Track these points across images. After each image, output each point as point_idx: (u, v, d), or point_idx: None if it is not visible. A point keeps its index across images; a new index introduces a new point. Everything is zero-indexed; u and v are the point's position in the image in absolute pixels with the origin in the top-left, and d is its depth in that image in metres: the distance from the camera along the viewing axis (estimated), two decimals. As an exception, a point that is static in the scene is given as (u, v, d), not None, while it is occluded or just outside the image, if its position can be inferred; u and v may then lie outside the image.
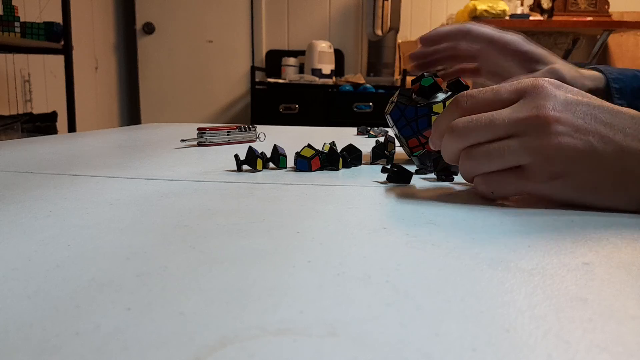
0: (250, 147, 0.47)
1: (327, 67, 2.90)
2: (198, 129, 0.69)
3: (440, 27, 0.63)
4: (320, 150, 0.49)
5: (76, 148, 0.64)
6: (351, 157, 0.51)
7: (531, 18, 2.75)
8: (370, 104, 2.69)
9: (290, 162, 0.51)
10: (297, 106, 2.77)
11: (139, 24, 3.28)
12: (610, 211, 0.32)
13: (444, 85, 0.52)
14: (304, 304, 0.18)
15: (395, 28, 2.91)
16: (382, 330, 0.16)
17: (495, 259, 0.23)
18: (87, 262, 0.22)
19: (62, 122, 2.37)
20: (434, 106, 0.49)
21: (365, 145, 0.69)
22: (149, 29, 3.28)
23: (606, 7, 2.73)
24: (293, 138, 0.79)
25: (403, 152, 0.63)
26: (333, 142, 0.52)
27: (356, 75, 2.96)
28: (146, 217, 0.30)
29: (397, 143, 0.56)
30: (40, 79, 2.64)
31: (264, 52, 3.24)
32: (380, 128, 0.92)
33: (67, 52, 2.15)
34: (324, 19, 3.24)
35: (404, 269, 0.21)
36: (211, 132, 0.68)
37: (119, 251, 0.23)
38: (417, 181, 0.43)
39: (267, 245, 0.25)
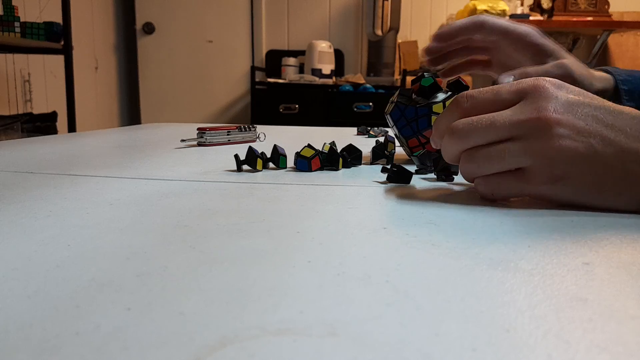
0: (250, 147, 0.47)
1: (327, 67, 2.90)
2: (198, 129, 0.69)
3: (449, 23, 0.64)
4: (320, 150, 0.49)
5: (76, 148, 0.64)
6: (351, 157, 0.51)
7: (531, 18, 2.75)
8: (370, 104, 2.69)
9: (290, 162, 0.51)
10: (297, 106, 2.77)
11: (139, 24, 3.28)
12: (610, 211, 0.32)
13: (444, 85, 0.52)
14: (304, 304, 0.18)
15: (395, 28, 2.91)
16: (382, 330, 0.16)
17: (495, 259, 0.23)
18: (87, 262, 0.22)
19: (62, 122, 2.37)
20: (434, 106, 0.49)
21: (365, 145, 0.69)
22: (149, 29, 3.28)
23: (606, 7, 2.73)
24: (293, 138, 0.79)
25: (403, 152, 0.63)
26: (333, 142, 0.52)
27: (356, 75, 2.96)
28: (146, 217, 0.30)
29: (397, 143, 0.56)
30: (40, 79, 2.64)
31: (264, 52, 3.24)
32: (380, 128, 0.92)
33: (67, 52, 2.15)
34: (324, 19, 3.24)
35: (404, 269, 0.21)
36: (211, 132, 0.68)
37: (119, 251, 0.23)
38: (417, 181, 0.43)
39: (267, 245, 0.25)
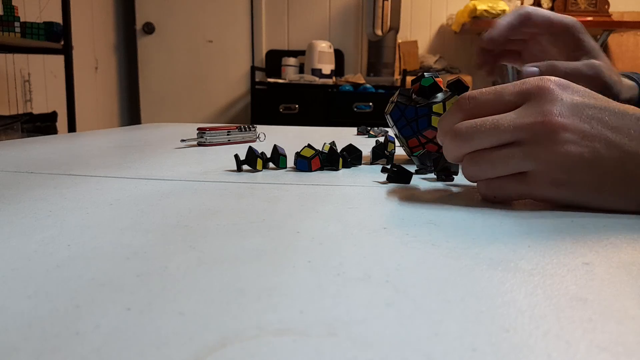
0: (250, 147, 0.47)
1: (327, 67, 2.90)
2: (198, 129, 0.69)
3: (495, 24, 0.59)
4: (320, 150, 0.49)
5: (76, 148, 0.64)
6: (351, 157, 0.51)
7: (531, 18, 2.75)
8: (370, 104, 2.69)
9: (290, 162, 0.51)
10: (297, 106, 2.77)
11: (139, 24, 3.28)
12: (610, 212, 0.32)
13: (444, 85, 0.52)
14: (304, 304, 0.18)
15: (395, 28, 2.91)
16: (382, 330, 0.16)
17: (495, 259, 0.23)
18: (87, 262, 0.22)
19: (62, 122, 2.37)
20: (434, 106, 0.49)
21: (365, 145, 0.69)
22: (149, 29, 3.28)
23: (606, 7, 2.73)
24: (293, 138, 0.79)
25: (403, 152, 0.63)
26: (333, 142, 0.52)
27: (356, 75, 2.96)
28: (146, 217, 0.30)
29: (397, 143, 0.56)
30: (40, 79, 2.64)
31: (264, 52, 3.24)
32: (380, 128, 0.92)
33: (67, 52, 2.15)
34: (324, 19, 3.24)
35: (404, 269, 0.21)
36: (211, 132, 0.68)
37: (119, 251, 0.23)
38: (417, 181, 0.43)
39: (267, 245, 0.25)
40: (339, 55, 3.11)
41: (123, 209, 0.32)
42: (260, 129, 0.85)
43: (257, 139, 0.75)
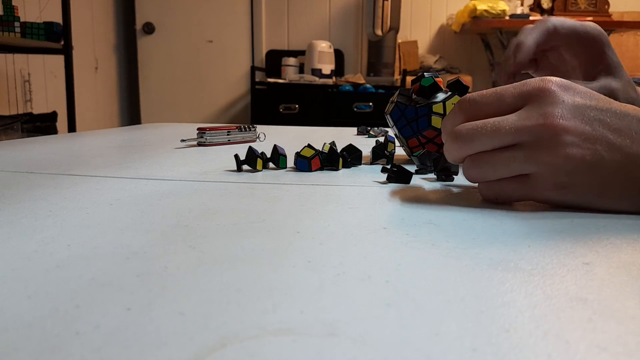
0: (250, 147, 0.47)
1: (327, 67, 2.90)
2: (198, 129, 0.69)
3: (521, 42, 0.54)
4: (320, 150, 0.49)
5: (76, 148, 0.64)
6: (351, 157, 0.51)
7: (531, 18, 2.75)
8: (370, 104, 2.69)
9: (290, 162, 0.51)
10: (297, 106, 2.77)
11: (139, 24, 3.28)
12: (610, 212, 0.32)
13: (444, 85, 0.52)
14: (304, 304, 0.18)
15: (395, 28, 2.91)
16: (382, 330, 0.16)
17: (495, 259, 0.23)
18: (87, 262, 0.22)
19: (62, 122, 2.37)
20: (434, 106, 0.49)
21: (365, 145, 0.69)
22: (149, 29, 3.28)
23: (606, 7, 2.73)
24: (293, 138, 0.79)
25: (403, 152, 0.63)
26: (333, 142, 0.52)
27: (356, 75, 2.96)
28: (146, 217, 0.30)
29: (397, 143, 0.56)
30: (40, 79, 2.64)
31: (264, 52, 3.24)
32: (380, 128, 0.92)
33: (67, 52, 2.15)
34: (324, 19, 3.24)
35: (404, 269, 0.21)
36: (211, 132, 0.68)
37: (119, 251, 0.23)
38: (417, 181, 0.43)
39: (267, 245, 0.25)
40: (339, 55, 3.12)
41: (123, 209, 0.32)
42: (260, 129, 0.86)
43: (257, 139, 0.75)
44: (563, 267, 0.22)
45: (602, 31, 0.54)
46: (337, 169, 0.49)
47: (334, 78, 2.92)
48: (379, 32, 2.85)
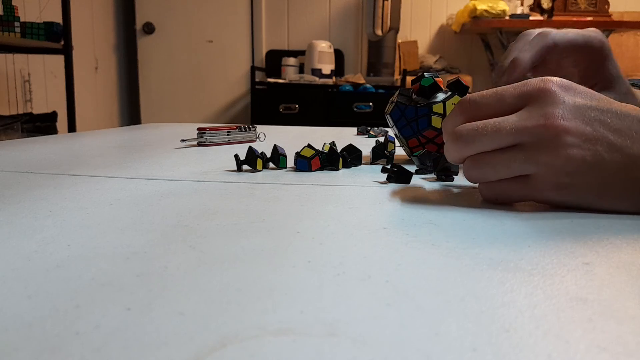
0: (250, 147, 0.47)
1: (327, 67, 2.90)
2: (198, 129, 0.69)
3: (516, 58, 0.50)
4: (320, 150, 0.49)
5: (76, 148, 0.64)
6: (351, 157, 0.51)
7: (531, 18, 2.75)
8: (370, 104, 2.69)
9: (290, 162, 0.51)
10: (297, 106, 2.77)
11: (139, 24, 3.28)
12: (611, 212, 0.32)
13: (444, 85, 0.52)
14: (304, 304, 0.18)
15: (395, 28, 2.91)
16: (382, 330, 0.16)
17: (495, 259, 0.23)
18: (87, 262, 0.22)
19: (62, 122, 2.37)
20: (434, 106, 0.49)
21: (365, 145, 0.69)
22: (149, 29, 3.28)
23: (606, 7, 2.73)
24: (293, 138, 0.79)
25: (403, 152, 0.63)
26: (333, 142, 0.52)
27: (356, 75, 2.96)
28: (146, 217, 0.30)
29: (397, 143, 0.56)
30: (40, 79, 2.64)
31: (264, 52, 3.24)
32: (380, 128, 0.92)
33: (67, 52, 2.15)
34: (324, 19, 3.24)
35: (404, 269, 0.21)
36: (211, 132, 0.68)
37: (119, 251, 0.23)
38: (417, 181, 0.43)
39: (267, 245, 0.25)
40: (339, 55, 3.12)
41: (123, 209, 0.32)
42: (260, 129, 0.86)
43: (257, 139, 0.75)
44: (563, 267, 0.22)
45: (605, 42, 0.51)
46: (337, 169, 0.49)
47: (334, 78, 2.92)
48: (379, 32, 2.85)
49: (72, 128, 2.22)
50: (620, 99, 0.52)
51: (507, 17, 2.73)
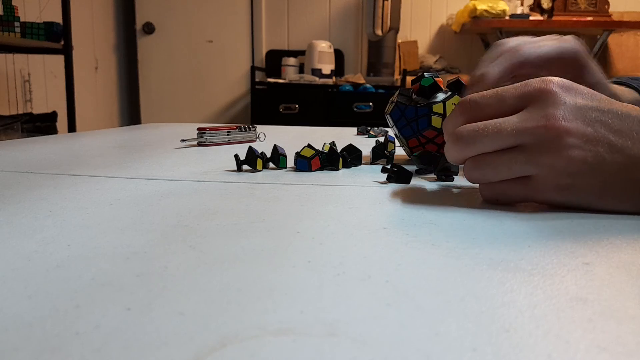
0: (250, 147, 0.47)
1: (327, 67, 2.90)
2: (198, 129, 0.69)
3: (481, 75, 0.47)
4: (320, 150, 0.49)
5: (76, 148, 0.64)
6: (351, 157, 0.51)
7: (531, 18, 2.75)
8: (370, 104, 2.69)
9: (290, 162, 0.51)
10: (297, 106, 2.77)
11: (139, 24, 3.28)
12: (611, 213, 0.32)
13: (444, 85, 0.52)
14: (304, 304, 0.18)
15: (395, 28, 2.91)
16: (382, 330, 0.16)
17: (495, 259, 0.23)
18: (87, 262, 0.22)
19: (62, 122, 2.37)
20: (434, 106, 0.49)
21: (365, 145, 0.69)
22: (149, 29, 3.28)
23: (606, 7, 2.73)
24: (293, 138, 0.79)
25: (403, 152, 0.63)
26: (333, 142, 0.52)
27: (356, 75, 2.96)
28: (146, 217, 0.30)
29: (397, 143, 0.56)
30: (40, 79, 2.64)
31: (264, 52, 3.24)
32: (380, 128, 0.92)
33: (67, 52, 2.15)
34: (324, 19, 3.24)
35: (404, 269, 0.21)
36: (211, 132, 0.68)
37: (119, 251, 0.23)
38: (417, 181, 0.43)
39: (267, 245, 0.25)
40: (339, 55, 3.12)
41: (123, 209, 0.32)
42: (260, 129, 0.86)
43: (257, 139, 0.75)
44: (563, 267, 0.22)
45: (580, 52, 0.49)
46: (337, 169, 0.49)
47: (334, 78, 2.92)
48: (379, 32, 2.85)
49: (72, 128, 2.22)
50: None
51: (507, 17, 2.73)
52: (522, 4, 2.94)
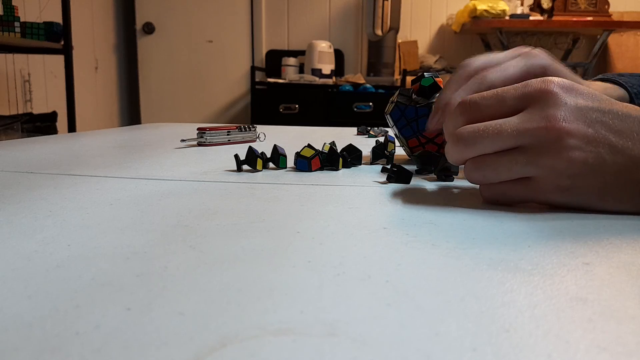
0: (250, 147, 0.47)
1: (327, 67, 2.90)
2: (198, 129, 0.69)
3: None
4: (320, 150, 0.49)
5: (76, 148, 0.64)
6: (351, 157, 0.51)
7: (531, 18, 2.75)
8: (370, 104, 2.69)
9: (290, 162, 0.51)
10: (297, 106, 2.77)
11: (139, 24, 3.28)
12: (611, 213, 0.32)
13: (443, 85, 0.52)
14: (304, 304, 0.18)
15: (395, 28, 2.91)
16: (382, 330, 0.16)
17: (495, 259, 0.23)
18: (87, 262, 0.22)
19: (62, 122, 2.37)
20: (434, 106, 0.49)
21: (365, 145, 0.69)
22: (149, 29, 3.28)
23: (606, 7, 2.73)
24: (293, 138, 0.79)
25: (403, 152, 0.63)
26: (333, 142, 0.52)
27: (356, 75, 2.96)
28: (146, 217, 0.30)
29: (397, 143, 0.56)
30: (40, 79, 2.64)
31: (264, 52, 3.24)
32: (380, 128, 0.92)
33: (67, 52, 2.15)
34: (324, 19, 3.24)
35: (404, 269, 0.21)
36: (211, 132, 0.68)
37: (119, 251, 0.23)
38: (417, 181, 0.43)
39: (267, 245, 0.25)
40: (339, 55, 3.12)
41: (123, 209, 0.32)
42: (260, 129, 0.86)
43: (257, 139, 0.75)
44: (563, 267, 0.22)
45: (548, 66, 0.46)
46: (337, 169, 0.49)
47: (334, 78, 2.92)
48: (379, 32, 2.85)
49: (72, 128, 2.22)
50: None
51: (507, 17, 2.73)
52: (522, 4, 2.94)
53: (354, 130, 0.96)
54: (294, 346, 0.15)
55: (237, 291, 0.19)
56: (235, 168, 0.49)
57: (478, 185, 0.35)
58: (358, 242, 0.25)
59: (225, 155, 0.59)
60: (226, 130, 0.70)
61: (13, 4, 1.96)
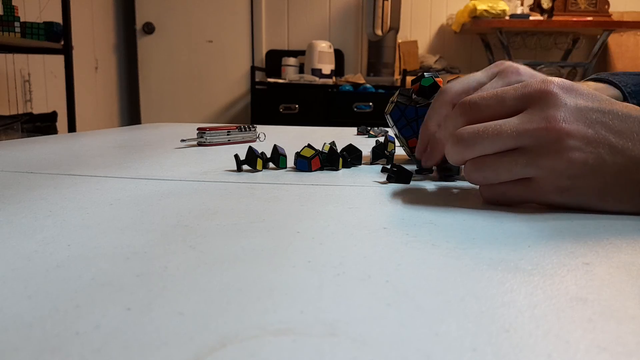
0: (250, 147, 0.47)
1: (327, 67, 2.89)
2: (198, 129, 0.69)
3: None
4: (320, 150, 0.49)
5: (76, 148, 0.64)
6: (351, 157, 0.51)
7: (531, 18, 2.75)
8: (370, 104, 2.69)
9: (290, 162, 0.51)
10: (297, 106, 2.77)
11: (139, 24, 3.28)
12: (611, 213, 0.32)
13: (443, 85, 0.52)
14: (304, 304, 0.18)
15: (395, 28, 2.91)
16: (382, 330, 0.16)
17: (495, 259, 0.23)
18: (87, 262, 0.22)
19: (62, 122, 2.37)
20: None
21: (365, 145, 0.69)
22: (149, 29, 3.28)
23: (606, 7, 2.73)
24: (293, 138, 0.79)
25: (403, 152, 0.63)
26: (333, 142, 0.52)
27: (356, 75, 2.96)
28: (146, 217, 0.30)
29: (397, 143, 0.56)
30: (40, 79, 2.64)
31: (264, 52, 3.24)
32: (380, 128, 0.92)
33: (67, 52, 2.15)
34: (324, 19, 3.23)
35: (404, 269, 0.21)
36: (211, 132, 0.68)
37: (119, 251, 0.23)
38: (417, 181, 0.43)
39: (267, 245, 0.25)
40: (339, 55, 3.11)
41: (123, 209, 0.32)
42: (260, 129, 0.86)
43: (257, 139, 0.75)
44: (563, 267, 0.22)
45: (521, 66, 0.45)
46: (337, 169, 0.49)
47: (334, 78, 2.92)
48: (379, 32, 2.85)
49: (72, 128, 2.22)
50: None
51: (507, 17, 2.73)
52: (522, 4, 2.94)
53: (354, 130, 0.96)
54: (294, 346, 0.15)
55: (237, 291, 0.19)
56: (235, 168, 0.49)
57: (478, 186, 0.35)
58: (358, 242, 0.25)
59: (225, 155, 0.59)
60: (226, 130, 0.70)
61: (13, 4, 1.96)
